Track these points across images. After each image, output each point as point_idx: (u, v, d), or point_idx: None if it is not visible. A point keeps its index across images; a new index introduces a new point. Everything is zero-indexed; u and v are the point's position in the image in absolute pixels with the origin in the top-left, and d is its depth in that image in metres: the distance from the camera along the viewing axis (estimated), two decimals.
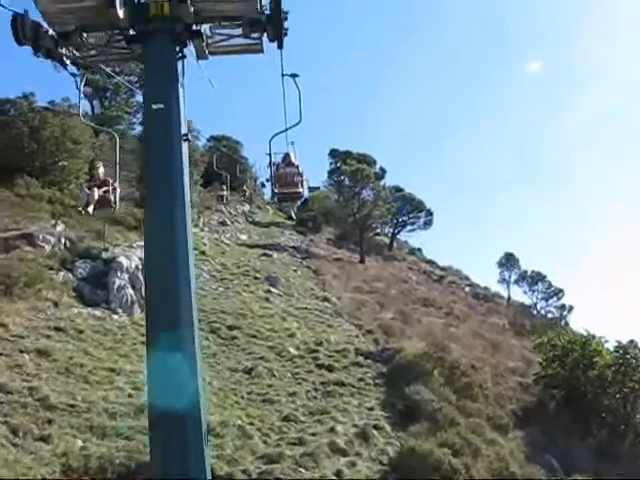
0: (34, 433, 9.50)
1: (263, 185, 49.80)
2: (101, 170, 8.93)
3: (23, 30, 6.19)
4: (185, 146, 7.00)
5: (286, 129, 8.36)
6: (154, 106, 6.64)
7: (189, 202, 7.06)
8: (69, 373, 11.79)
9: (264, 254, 29.17)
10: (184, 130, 6.85)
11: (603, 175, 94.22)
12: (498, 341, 23.27)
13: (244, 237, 34.17)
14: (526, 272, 43.41)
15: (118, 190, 8.29)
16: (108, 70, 8.62)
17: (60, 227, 18.06)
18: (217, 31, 6.97)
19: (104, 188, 8.39)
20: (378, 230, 46.43)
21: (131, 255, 17.31)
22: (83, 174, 20.15)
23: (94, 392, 11.31)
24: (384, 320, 21.81)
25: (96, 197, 8.27)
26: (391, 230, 47.32)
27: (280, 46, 6.75)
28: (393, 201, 40.54)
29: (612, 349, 18.19)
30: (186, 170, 7.16)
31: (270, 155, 10.08)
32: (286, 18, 6.55)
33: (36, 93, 22.90)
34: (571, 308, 41.09)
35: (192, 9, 6.45)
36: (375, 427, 13.25)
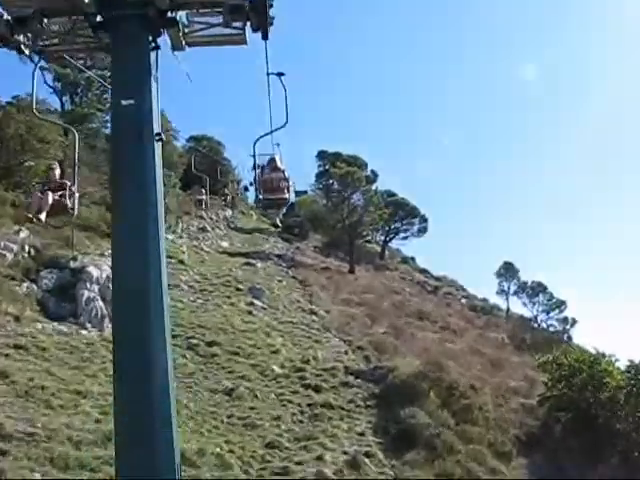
0: None
1: (246, 189, 49.53)
2: (57, 172, 8.45)
3: None
4: (159, 147, 6.58)
5: (271, 131, 8.25)
6: (123, 102, 6.25)
7: (162, 209, 6.63)
8: (29, 397, 11.31)
9: (247, 263, 29.01)
10: (157, 129, 6.44)
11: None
12: (498, 358, 23.12)
13: (225, 244, 34.06)
14: (526, 283, 43.34)
15: (77, 194, 7.78)
16: (77, 63, 8.18)
17: (24, 233, 17.46)
18: (195, 19, 6.58)
19: (60, 192, 7.91)
20: (369, 237, 46.39)
21: (102, 264, 16.87)
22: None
23: (57, 418, 10.81)
24: (375, 335, 21.60)
25: (50, 202, 7.82)
26: (383, 237, 47.32)
27: (265, 37, 6.31)
28: (385, 206, 40.56)
29: (623, 369, 17.93)
30: (159, 173, 6.74)
31: (255, 158, 10.05)
32: (271, 5, 6.16)
33: None
34: (574, 321, 40.92)
35: None
36: (367, 454, 13.06)
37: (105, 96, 31.18)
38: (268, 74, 7.15)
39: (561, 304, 41.58)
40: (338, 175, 37.76)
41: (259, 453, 12.31)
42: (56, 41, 6.52)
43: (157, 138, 6.53)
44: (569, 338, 37.29)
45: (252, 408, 14.22)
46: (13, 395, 11.18)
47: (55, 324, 15.04)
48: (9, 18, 6.02)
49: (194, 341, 17.17)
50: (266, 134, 8.31)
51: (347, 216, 37.28)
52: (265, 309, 22.00)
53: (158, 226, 6.65)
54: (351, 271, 36.17)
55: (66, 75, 28.77)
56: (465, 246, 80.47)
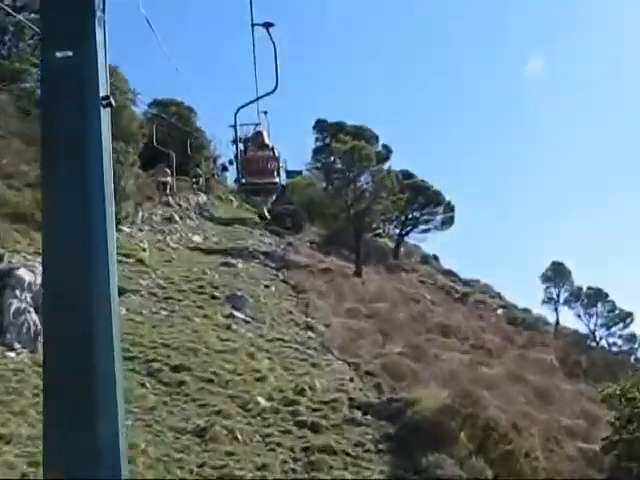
0: None
1: (225, 168, 50.50)
2: None
3: None
4: (107, 114, 6.16)
5: (257, 98, 8.56)
6: (58, 54, 5.81)
7: (111, 194, 6.22)
8: None
9: (225, 263, 29.34)
10: (104, 91, 6.02)
11: None
12: (546, 387, 23.07)
13: (198, 239, 34.50)
14: (581, 289, 43.39)
15: None
16: (2, 3, 7.87)
17: None
18: None
19: None
20: (380, 230, 47.28)
21: (36, 266, 16.56)
22: None
23: None
24: (389, 357, 21.62)
25: None
26: (397, 230, 48.19)
27: None
28: (401, 191, 40.97)
29: None
30: (107, 148, 6.33)
31: (236, 131, 10.04)
32: None
33: None
34: None
35: None
36: None
37: None
38: (252, 25, 6.84)
39: (626, 317, 41.36)
40: (341, 151, 38.14)
41: None
42: None
43: (104, 102, 6.08)
44: (637, 360, 37.13)
45: (230, 454, 13.92)
46: None
47: None
48: None
49: (156, 365, 16.95)
50: (251, 102, 8.61)
51: (352, 203, 37.55)
52: (248, 323, 21.98)
53: (105, 216, 6.21)
54: (357, 273, 36.58)
55: None
56: (502, 241, 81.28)
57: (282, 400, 16.73)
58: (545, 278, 44.26)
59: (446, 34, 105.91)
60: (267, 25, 7.56)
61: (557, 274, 43.90)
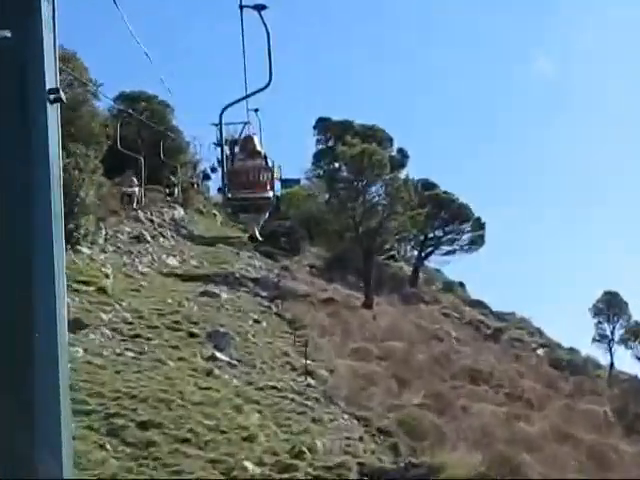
0: None
1: (207, 176, 50.89)
2: None
3: None
4: (54, 110, 5.93)
5: (247, 96, 9.11)
6: None
7: (60, 208, 6.02)
8: None
9: (206, 292, 29.29)
10: (53, 81, 5.79)
11: None
12: (601, 447, 22.78)
13: (174, 262, 34.67)
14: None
15: None
16: None
17: None
18: None
19: None
20: (394, 252, 47.56)
21: None
22: None
23: None
24: (407, 410, 21.47)
25: None
26: (416, 252, 48.58)
27: None
28: (420, 205, 41.21)
29: None
30: (55, 151, 6.13)
31: (221, 132, 10.62)
32: None
33: None
34: None
35: None
36: None
37: None
38: (241, 7, 6.79)
39: None
40: (348, 156, 38.43)
41: None
42: None
43: (52, 96, 5.90)
44: None
45: None
46: None
47: None
48: None
49: (119, 421, 16.55)
50: (240, 99, 9.13)
51: (361, 219, 37.87)
52: (234, 367, 21.79)
53: (53, 235, 6.02)
54: (367, 305, 36.84)
55: None
56: (543, 266, 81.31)
57: (275, 465, 16.40)
58: (596, 311, 43.99)
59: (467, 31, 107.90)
60: (259, 7, 7.48)
61: (611, 306, 43.59)
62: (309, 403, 20.44)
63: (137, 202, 34.62)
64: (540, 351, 41.67)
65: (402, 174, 42.50)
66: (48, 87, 5.72)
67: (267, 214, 14.94)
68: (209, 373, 20.62)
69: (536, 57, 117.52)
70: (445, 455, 17.39)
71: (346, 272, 42.29)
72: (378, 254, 41.67)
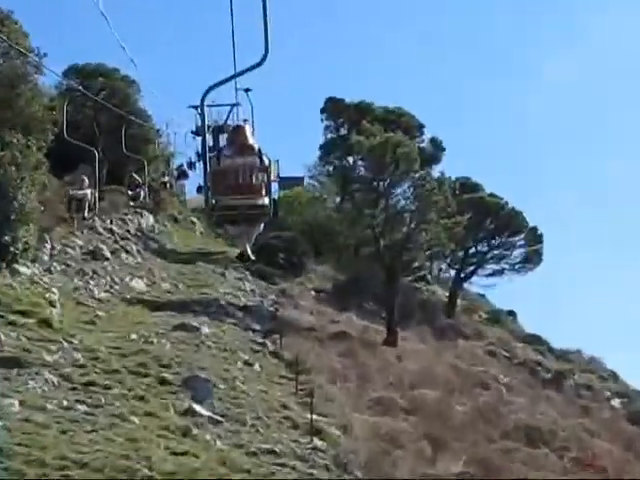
0: None
1: (183, 173, 50.59)
2: None
3: None
4: None
5: (236, 74, 9.49)
6: None
7: None
8: None
9: (182, 326, 28.98)
10: None
11: None
12: None
13: (140, 285, 34.66)
14: None
15: None
16: None
17: None
18: None
19: None
20: (425, 272, 47.27)
21: None
22: None
23: None
24: None
25: None
26: (453, 273, 48.43)
27: None
28: (459, 212, 41.28)
29: None
30: None
31: (203, 118, 9.63)
32: None
33: None
34: None
35: None
36: None
37: None
38: None
39: None
40: (366, 147, 38.48)
41: None
42: None
43: None
44: None
45: None
46: None
47: None
48: None
49: None
50: (227, 79, 9.54)
51: (383, 230, 38.00)
52: (218, 424, 21.42)
53: None
54: (391, 341, 36.85)
55: None
56: (616, 292, 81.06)
57: None
58: None
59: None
60: None
61: None
62: (315, 472, 20.06)
63: (89, 208, 34.29)
64: (616, 402, 41.27)
65: (436, 171, 42.72)
66: None
67: (262, 226, 14.74)
68: (185, 433, 20.15)
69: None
70: None
71: (363, 298, 42.21)
72: (404, 275, 41.64)
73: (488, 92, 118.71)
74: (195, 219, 49.58)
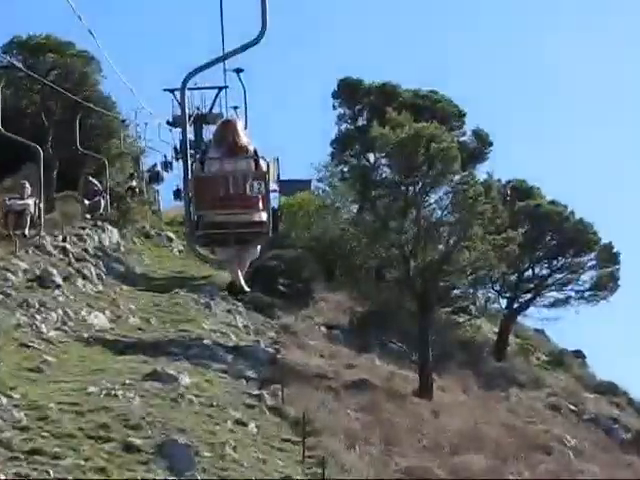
0: None
1: (157, 176, 50.20)
2: None
3: None
4: None
5: (226, 55, 10.11)
6: None
7: None
8: None
9: (154, 374, 28.74)
10: None
11: None
12: None
13: (102, 321, 34.63)
14: None
15: None
16: None
17: None
18: None
19: None
20: (468, 303, 47.02)
21: None
22: None
23: None
24: None
25: None
26: (504, 302, 48.55)
27: None
28: (511, 225, 41.44)
29: None
30: None
31: (183, 109, 11.33)
32: None
33: None
34: None
35: None
36: None
37: None
38: None
39: None
40: (391, 142, 38.52)
41: None
42: None
43: None
44: None
45: None
46: None
47: None
48: None
49: None
50: (214, 61, 9.91)
51: (415, 248, 38.05)
52: None
53: None
54: (424, 391, 36.93)
55: None
56: None
57: None
58: None
59: None
60: None
61: None
62: None
63: (32, 223, 33.97)
64: None
65: (481, 172, 42.95)
66: None
67: (259, 249, 14.50)
68: None
69: None
70: None
71: (388, 335, 42.17)
72: (441, 305, 41.51)
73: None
74: (172, 234, 49.62)
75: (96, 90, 43.63)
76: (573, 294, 47.61)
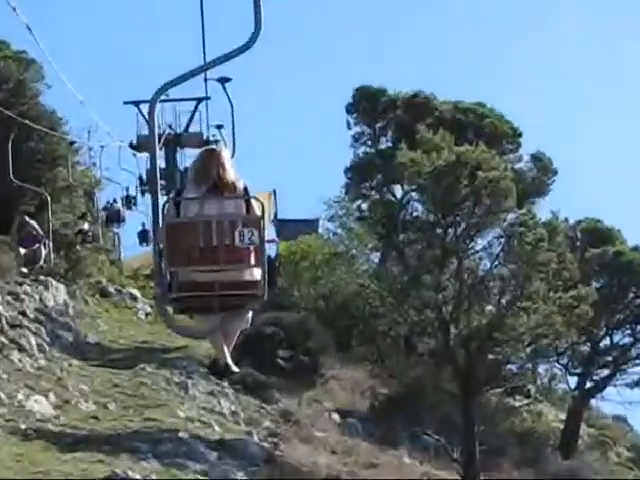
0: None
1: (116, 216, 49.99)
2: None
3: None
4: None
5: (207, 65, 10.79)
6: None
7: None
8: None
9: (113, 478, 28.04)
10: None
11: None
12: None
13: (44, 407, 33.91)
14: None
15: None
16: None
17: None
18: None
19: None
20: (526, 381, 46.80)
21: None
22: None
23: None
24: None
25: None
26: (574, 380, 48.51)
27: None
28: (583, 278, 41.53)
29: None
30: None
31: (152, 127, 11.70)
32: None
33: None
34: None
35: None
36: None
37: None
38: None
39: None
40: (424, 171, 38.56)
41: None
42: None
43: None
44: None
45: None
46: None
47: None
48: None
49: None
50: (195, 71, 10.55)
51: (456, 309, 38.30)
52: None
53: None
54: None
55: None
56: None
57: None
58: None
59: None
60: None
61: None
62: None
63: None
64: None
65: (543, 209, 42.57)
66: None
67: (250, 317, 14.01)
68: None
69: None
70: None
71: (420, 424, 41.78)
72: (490, 386, 41.10)
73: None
74: (136, 291, 49.52)
75: (37, 103, 43.38)
76: None
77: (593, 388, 47.98)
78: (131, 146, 51.47)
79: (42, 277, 41.50)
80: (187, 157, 53.68)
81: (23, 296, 40.03)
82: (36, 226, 41.66)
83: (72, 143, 45.62)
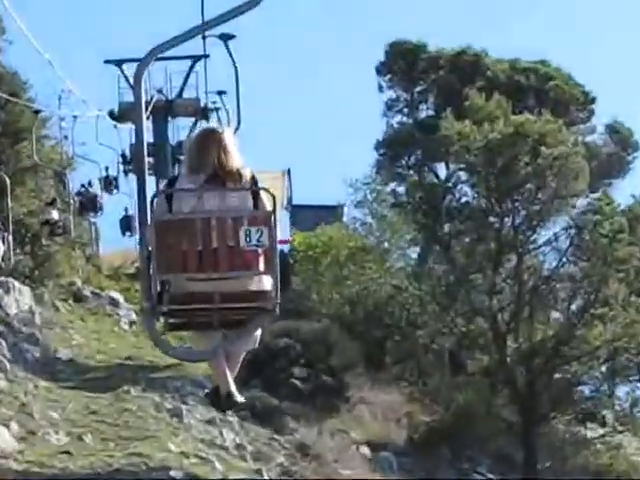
0: None
1: (91, 203, 50.31)
2: None
3: None
4: None
5: (205, 24, 10.88)
6: None
7: None
8: None
9: None
10: None
11: None
12: None
13: (4, 441, 33.59)
14: None
15: None
16: None
17: None
18: None
19: None
20: (600, 409, 46.76)
21: None
22: None
23: None
24: None
25: None
26: None
27: None
28: None
29: None
30: None
31: (137, 96, 12.38)
32: None
33: None
34: None
35: None
36: None
37: None
38: None
39: None
40: (474, 145, 38.98)
41: None
42: None
43: None
44: None
45: None
46: None
47: None
48: None
49: None
50: (192, 32, 11.08)
51: (514, 318, 38.76)
52: None
53: None
54: None
55: None
56: None
57: None
58: None
59: None
60: None
61: None
62: None
63: None
64: None
65: (621, 193, 42.40)
66: None
67: (259, 335, 14.30)
68: None
69: None
70: None
71: (470, 458, 42.30)
72: (558, 411, 41.36)
73: None
74: (118, 294, 49.68)
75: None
76: None
77: None
78: (111, 116, 51.49)
79: (2, 278, 41.94)
80: (180, 129, 53.97)
81: None
82: None
83: (38, 112, 45.86)
